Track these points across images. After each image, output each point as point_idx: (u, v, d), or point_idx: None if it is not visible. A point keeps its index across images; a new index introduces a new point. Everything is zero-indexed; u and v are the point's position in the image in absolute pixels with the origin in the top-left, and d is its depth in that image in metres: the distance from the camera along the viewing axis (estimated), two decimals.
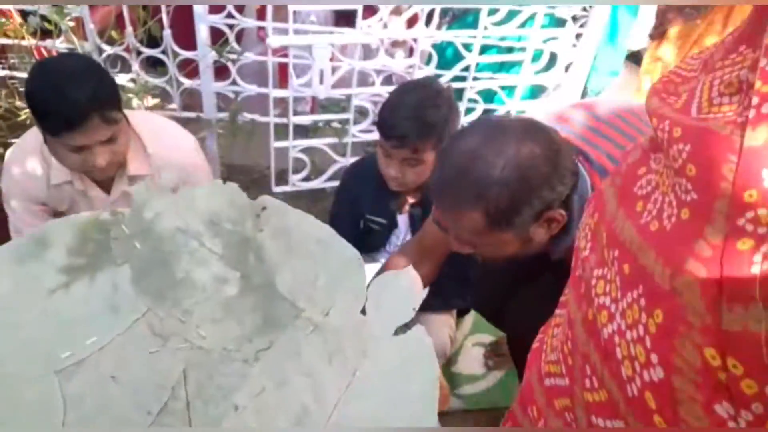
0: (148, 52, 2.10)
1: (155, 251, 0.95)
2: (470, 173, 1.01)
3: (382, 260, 1.94)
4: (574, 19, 2.28)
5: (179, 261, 0.95)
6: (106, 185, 1.50)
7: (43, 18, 1.97)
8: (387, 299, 0.96)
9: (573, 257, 0.79)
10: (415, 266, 1.42)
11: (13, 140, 1.87)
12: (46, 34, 2.02)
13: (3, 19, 2.00)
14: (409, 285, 0.98)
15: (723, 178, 0.49)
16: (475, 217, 1.03)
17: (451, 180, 1.04)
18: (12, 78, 2.16)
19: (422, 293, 0.95)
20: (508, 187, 0.98)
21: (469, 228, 1.07)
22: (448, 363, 1.94)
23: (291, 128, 2.27)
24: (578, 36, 2.34)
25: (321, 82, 2.13)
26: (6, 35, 2.02)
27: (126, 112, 1.41)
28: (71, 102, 1.20)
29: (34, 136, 1.43)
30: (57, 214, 1.57)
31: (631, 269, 0.60)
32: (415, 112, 1.52)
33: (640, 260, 0.59)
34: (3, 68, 2.17)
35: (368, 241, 1.94)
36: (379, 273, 1.48)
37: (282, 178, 2.44)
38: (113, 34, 2.00)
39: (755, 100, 0.49)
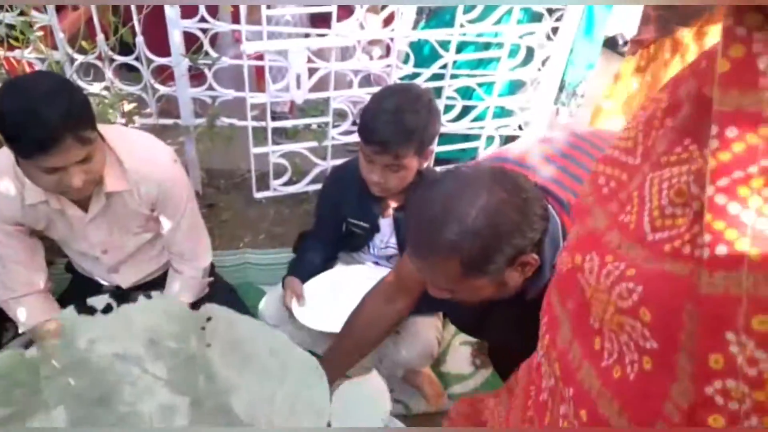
0: (120, 59, 2.07)
1: (93, 386, 0.85)
2: (443, 224, 1.02)
3: (367, 262, 1.95)
4: (550, 12, 2.28)
5: (121, 393, 0.85)
6: (83, 203, 1.47)
7: (10, 27, 1.92)
8: (352, 412, 0.90)
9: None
10: (392, 301, 1.44)
11: None
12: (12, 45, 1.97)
13: None
14: (374, 394, 0.93)
15: (682, 328, 0.47)
16: (450, 266, 1.05)
17: (424, 231, 1.06)
18: None
19: (389, 401, 0.92)
20: (480, 236, 1.00)
21: (445, 276, 1.09)
22: (436, 363, 1.94)
23: (270, 134, 2.25)
24: (554, 30, 2.34)
25: (298, 86, 2.11)
26: None
27: (100, 127, 1.38)
28: (43, 124, 1.17)
29: (5, 155, 1.39)
30: (34, 232, 1.54)
31: (590, 418, 0.57)
32: (395, 118, 1.52)
33: (600, 409, 0.55)
34: None
35: (351, 242, 1.94)
36: (356, 310, 1.48)
37: (263, 183, 2.42)
38: (84, 44, 1.95)
39: (707, 238, 0.46)
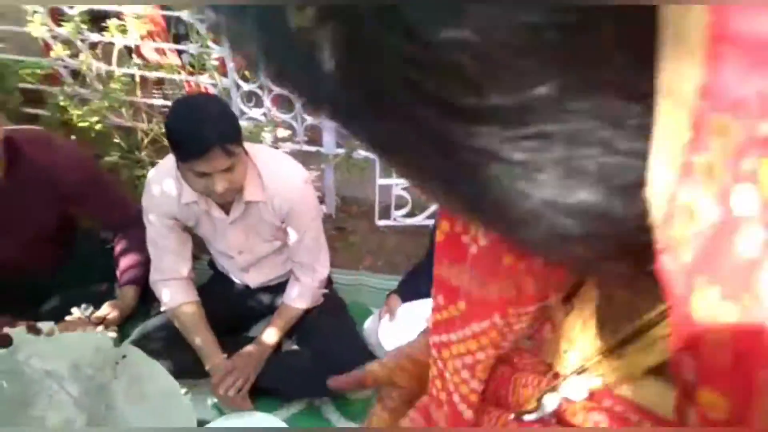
0: (277, 90, 2.35)
1: (20, 391, 1.04)
2: None
3: None
4: None
5: (38, 402, 1.04)
6: (226, 208, 1.72)
7: (194, 56, 2.27)
8: None
9: None
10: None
11: (159, 161, 2.17)
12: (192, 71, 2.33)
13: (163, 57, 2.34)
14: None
15: None
16: None
17: None
18: (165, 107, 2.50)
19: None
20: None
21: None
22: None
23: None
24: None
25: None
26: (163, 70, 2.36)
27: (247, 145, 1.61)
28: (199, 138, 1.43)
29: (171, 160, 1.67)
30: (186, 228, 1.81)
31: None
32: None
33: None
34: (159, 98, 2.52)
35: None
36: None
37: (386, 213, 2.59)
38: (247, 74, 2.26)
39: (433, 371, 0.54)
